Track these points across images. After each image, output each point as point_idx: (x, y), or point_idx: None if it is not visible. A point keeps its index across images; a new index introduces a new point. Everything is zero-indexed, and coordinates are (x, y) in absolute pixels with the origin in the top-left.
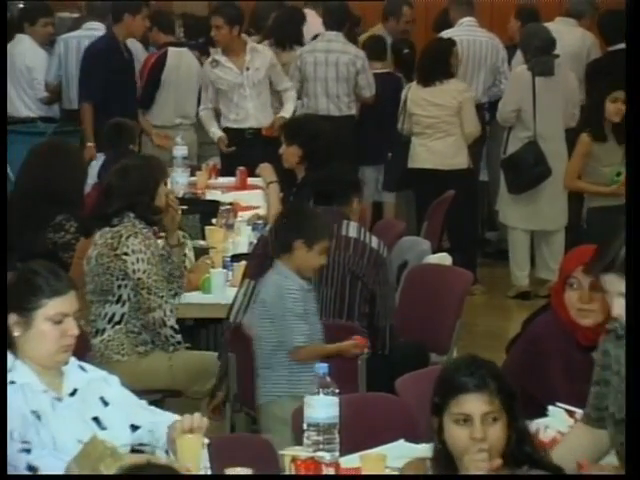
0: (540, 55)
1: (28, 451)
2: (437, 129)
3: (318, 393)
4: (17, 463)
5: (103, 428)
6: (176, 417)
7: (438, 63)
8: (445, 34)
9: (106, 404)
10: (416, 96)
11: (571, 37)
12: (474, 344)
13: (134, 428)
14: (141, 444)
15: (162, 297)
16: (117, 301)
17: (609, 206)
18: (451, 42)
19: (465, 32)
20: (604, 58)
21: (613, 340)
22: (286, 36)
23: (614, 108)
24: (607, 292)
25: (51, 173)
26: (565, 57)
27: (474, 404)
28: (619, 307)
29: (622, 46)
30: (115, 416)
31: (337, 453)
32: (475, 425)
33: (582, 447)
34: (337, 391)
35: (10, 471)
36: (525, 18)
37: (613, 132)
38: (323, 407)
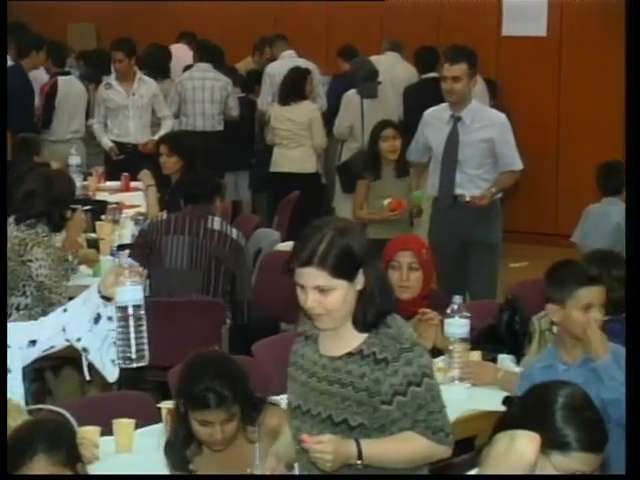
0: (366, 82)
1: None
2: (292, 140)
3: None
4: None
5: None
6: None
7: (294, 87)
8: (272, 66)
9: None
10: (277, 113)
11: (399, 67)
12: None
13: (32, 343)
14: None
15: (61, 294)
16: (22, 294)
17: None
18: (306, 71)
19: (287, 63)
20: (418, 83)
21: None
22: (155, 70)
23: (387, 146)
24: (303, 286)
25: None
26: (394, 82)
27: None
28: (312, 300)
29: (433, 74)
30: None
31: None
32: None
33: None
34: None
35: None
36: (346, 54)
37: (393, 169)
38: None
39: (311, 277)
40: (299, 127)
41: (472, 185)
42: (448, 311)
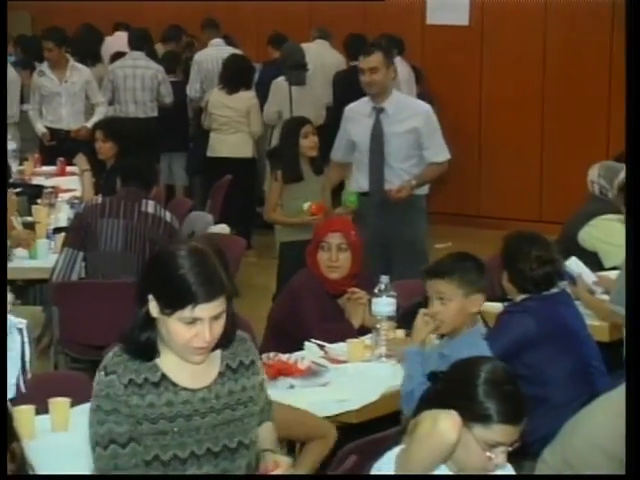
0: (294, 69)
1: None
2: (230, 126)
3: None
4: None
5: None
6: None
7: (234, 75)
8: (201, 53)
9: None
10: (215, 100)
11: (327, 54)
12: (249, 295)
13: None
14: None
15: None
16: None
17: (299, 240)
18: (246, 58)
19: (216, 50)
20: (347, 70)
21: None
22: (86, 53)
23: (308, 143)
24: (202, 319)
25: None
26: (323, 69)
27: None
28: (214, 331)
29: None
30: None
31: None
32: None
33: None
34: None
35: None
36: (275, 42)
37: (310, 165)
38: None
39: (217, 307)
40: (237, 114)
41: (398, 180)
42: (375, 290)
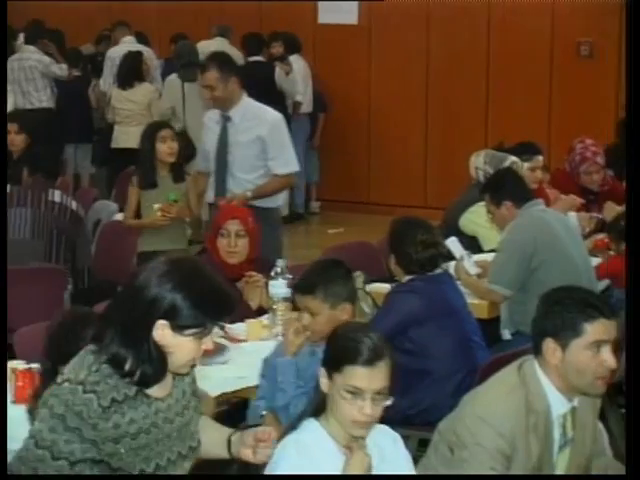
0: (187, 66)
1: None
2: (133, 119)
3: None
4: None
5: None
6: None
7: (131, 71)
8: (112, 50)
9: None
10: (118, 94)
11: (227, 51)
12: None
13: None
14: None
15: None
16: None
17: (158, 251)
18: (140, 53)
19: (127, 47)
20: (245, 66)
21: None
22: None
23: (165, 148)
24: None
25: None
26: None
27: None
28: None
29: (258, 58)
30: None
31: None
32: None
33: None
34: None
35: None
36: (176, 40)
37: (169, 172)
38: None
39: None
40: (139, 107)
41: (241, 191)
42: (272, 273)
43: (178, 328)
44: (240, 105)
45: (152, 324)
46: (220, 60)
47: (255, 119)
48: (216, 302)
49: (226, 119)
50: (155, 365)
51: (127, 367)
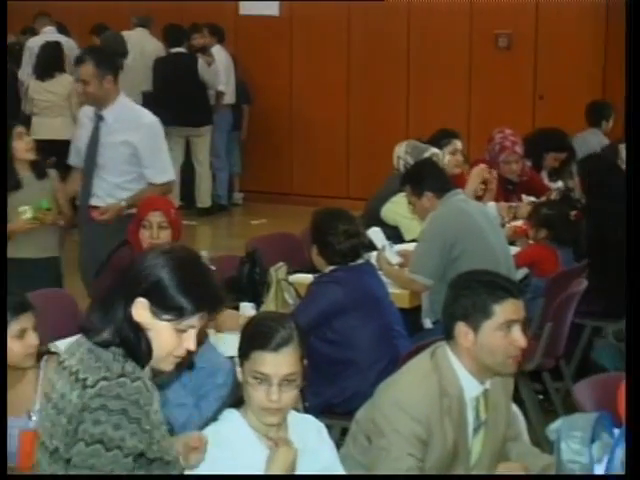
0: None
1: None
2: (52, 110)
3: None
4: None
5: None
6: None
7: (51, 60)
8: (32, 40)
9: None
10: (37, 85)
11: (147, 42)
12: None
13: None
14: None
15: None
16: None
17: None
18: (58, 44)
19: (47, 38)
20: (167, 57)
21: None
22: None
23: (22, 145)
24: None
25: None
26: (143, 56)
27: None
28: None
29: (179, 49)
30: None
31: None
32: None
33: None
34: None
35: None
36: (97, 31)
37: (31, 170)
38: None
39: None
40: (59, 98)
41: (109, 197)
42: None
43: (157, 309)
44: (115, 105)
45: (131, 298)
46: (98, 56)
47: (128, 122)
48: (202, 292)
49: (99, 118)
50: (134, 342)
51: (105, 335)
